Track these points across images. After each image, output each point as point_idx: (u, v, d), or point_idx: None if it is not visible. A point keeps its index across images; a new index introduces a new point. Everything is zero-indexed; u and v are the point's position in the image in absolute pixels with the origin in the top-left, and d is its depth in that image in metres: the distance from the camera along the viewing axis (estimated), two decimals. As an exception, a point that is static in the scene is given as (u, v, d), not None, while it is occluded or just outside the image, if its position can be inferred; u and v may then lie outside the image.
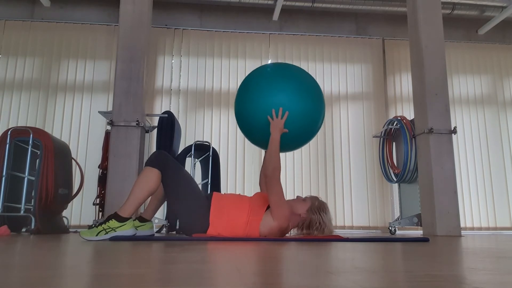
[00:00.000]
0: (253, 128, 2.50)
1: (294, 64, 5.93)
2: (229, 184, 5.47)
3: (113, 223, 2.20)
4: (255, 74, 2.60)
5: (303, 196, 2.48)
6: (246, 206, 2.34)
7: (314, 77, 6.10)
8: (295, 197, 2.49)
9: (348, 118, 5.92)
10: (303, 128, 2.46)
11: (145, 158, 3.82)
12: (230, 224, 2.30)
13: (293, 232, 2.47)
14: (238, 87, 2.63)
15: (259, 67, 2.68)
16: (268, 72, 2.55)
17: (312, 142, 5.76)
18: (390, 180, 4.80)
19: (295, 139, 2.49)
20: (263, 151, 5.59)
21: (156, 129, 4.22)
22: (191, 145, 4.13)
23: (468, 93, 6.19)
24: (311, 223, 2.33)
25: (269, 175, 2.28)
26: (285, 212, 2.28)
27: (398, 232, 5.30)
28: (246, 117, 2.51)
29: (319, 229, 2.33)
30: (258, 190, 5.42)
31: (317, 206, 2.36)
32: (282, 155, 5.68)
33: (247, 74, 2.67)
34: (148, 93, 5.55)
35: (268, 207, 2.37)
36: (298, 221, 2.37)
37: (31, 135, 3.32)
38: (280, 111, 2.38)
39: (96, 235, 2.18)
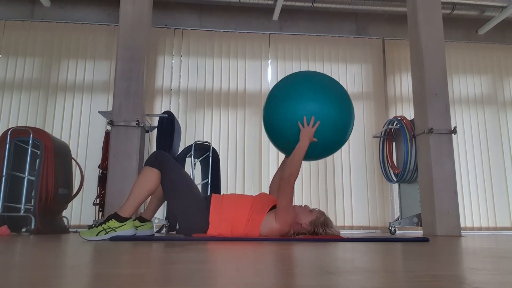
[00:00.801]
0: (282, 133, 2.49)
1: (294, 64, 5.96)
2: (229, 184, 5.47)
3: (113, 223, 2.20)
4: (287, 81, 2.59)
5: (311, 207, 2.49)
6: (248, 204, 2.35)
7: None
8: (303, 205, 2.50)
9: (348, 118, 5.91)
10: (332, 139, 2.46)
11: (145, 158, 3.82)
12: (231, 222, 2.30)
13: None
14: (270, 90, 2.64)
15: (289, 75, 2.67)
16: (304, 80, 2.55)
17: (312, 142, 5.75)
18: (390, 180, 4.80)
19: (322, 149, 2.48)
20: (263, 152, 5.59)
21: (156, 129, 4.22)
22: (191, 145, 4.13)
23: (468, 93, 6.19)
24: (315, 233, 2.35)
25: (285, 179, 2.29)
26: (289, 218, 2.29)
27: (398, 232, 5.30)
28: (277, 121, 2.50)
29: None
30: (258, 190, 5.44)
31: (322, 221, 2.37)
32: (282, 155, 5.69)
33: (280, 79, 2.68)
34: (148, 93, 5.55)
35: (271, 208, 2.38)
36: (298, 230, 2.38)
37: (31, 135, 3.32)
38: (312, 119, 2.38)
39: (96, 235, 2.18)
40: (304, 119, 2.38)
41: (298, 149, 2.35)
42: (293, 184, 2.32)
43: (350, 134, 2.59)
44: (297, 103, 2.43)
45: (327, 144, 2.47)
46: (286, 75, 2.75)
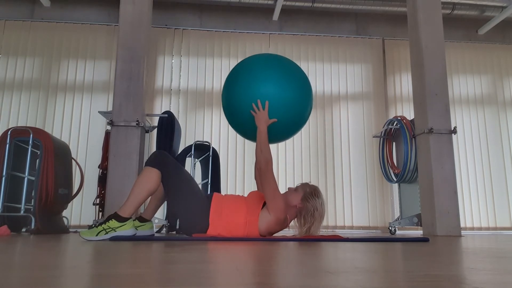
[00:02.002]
0: (241, 122, 2.48)
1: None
2: (229, 184, 5.48)
3: (113, 223, 2.20)
4: (238, 67, 2.58)
5: (294, 186, 2.48)
6: (243, 207, 2.34)
7: (314, 77, 6.12)
8: (287, 189, 2.48)
9: (348, 118, 5.92)
10: (290, 116, 2.43)
11: (145, 158, 3.82)
12: (230, 225, 2.30)
13: (293, 227, 2.46)
14: (225, 80, 2.63)
15: (242, 60, 2.64)
16: (250, 63, 2.53)
17: (312, 142, 5.76)
18: (390, 180, 4.80)
19: (284, 128, 2.46)
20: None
21: (156, 129, 4.22)
22: (191, 145, 4.13)
23: (468, 93, 6.19)
24: (306, 211, 2.33)
25: (263, 169, 2.28)
26: (280, 204, 2.28)
27: (398, 232, 5.30)
28: (232, 111, 2.50)
29: (314, 215, 2.32)
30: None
31: (310, 193, 2.36)
32: (282, 155, 5.69)
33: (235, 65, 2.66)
34: (148, 93, 5.55)
35: (264, 204, 2.37)
36: (295, 212, 2.36)
37: (31, 135, 3.32)
38: (259, 103, 2.36)
39: (96, 235, 2.17)
40: (253, 105, 2.36)
41: (259, 134, 2.34)
42: (271, 169, 2.30)
43: (310, 108, 2.55)
44: (248, 87, 2.40)
45: (287, 123, 2.44)
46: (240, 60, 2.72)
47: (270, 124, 2.37)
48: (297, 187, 2.44)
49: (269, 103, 2.36)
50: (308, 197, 2.34)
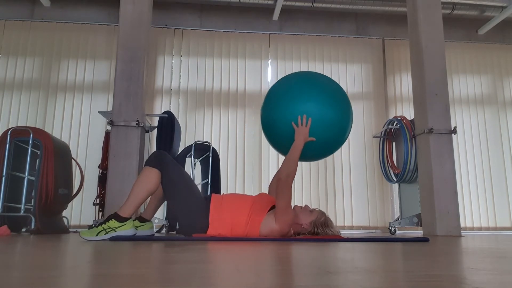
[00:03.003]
0: (280, 136, 2.49)
1: (294, 64, 5.96)
2: (229, 184, 5.47)
3: (113, 223, 2.20)
4: (284, 81, 2.60)
5: (311, 207, 2.49)
6: (248, 205, 2.35)
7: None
8: (304, 205, 2.50)
9: (348, 118, 5.91)
10: (329, 139, 2.45)
11: (145, 158, 3.82)
12: (231, 223, 2.30)
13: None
14: (267, 93, 2.65)
15: (287, 75, 2.67)
16: (296, 80, 2.55)
17: (312, 142, 5.75)
18: (390, 180, 4.80)
19: (320, 149, 2.47)
20: (263, 152, 5.59)
21: (156, 129, 4.22)
22: (191, 145, 4.13)
23: (468, 93, 6.19)
24: (315, 234, 2.35)
25: (283, 180, 2.29)
26: (289, 218, 2.29)
27: (398, 232, 5.30)
28: (272, 124, 2.51)
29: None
30: (258, 190, 5.44)
31: (322, 222, 2.37)
32: (282, 155, 5.69)
33: (279, 79, 2.69)
34: (148, 93, 5.55)
35: (271, 208, 2.38)
36: (299, 230, 2.39)
37: (31, 135, 3.32)
38: (304, 118, 2.37)
39: (96, 235, 2.18)
40: (298, 118, 2.38)
41: (293, 149, 2.35)
42: (291, 184, 2.32)
43: (348, 134, 2.58)
44: (294, 103, 2.42)
45: (325, 144, 2.46)
46: (285, 75, 2.75)
47: (307, 142, 2.38)
48: (314, 209, 2.46)
49: (312, 121, 2.37)
50: (318, 224, 2.36)
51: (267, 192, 2.75)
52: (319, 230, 2.34)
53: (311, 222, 2.36)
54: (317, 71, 5.99)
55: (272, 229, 2.30)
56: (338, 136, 2.49)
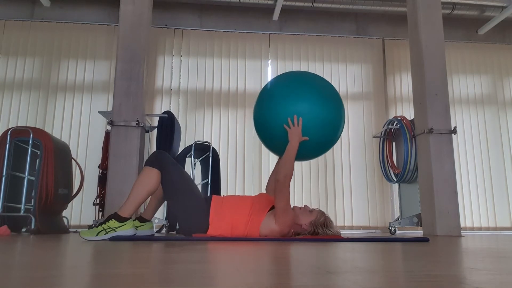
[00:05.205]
0: (273, 136, 2.49)
1: (294, 64, 5.96)
2: (229, 184, 5.47)
3: (113, 223, 2.20)
4: (275, 82, 2.60)
5: (311, 207, 2.49)
6: (248, 205, 2.35)
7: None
8: (303, 205, 2.50)
9: (348, 118, 5.92)
10: (322, 138, 2.45)
11: (145, 158, 3.82)
12: (231, 223, 2.30)
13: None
14: (258, 95, 2.64)
15: (279, 75, 2.67)
16: (288, 80, 2.55)
17: (312, 142, 5.75)
18: (390, 180, 4.80)
19: (313, 148, 2.47)
20: (263, 152, 5.59)
21: (156, 129, 4.22)
22: (191, 145, 4.13)
23: (468, 93, 6.19)
24: (315, 234, 2.35)
25: (281, 181, 2.28)
26: (288, 219, 2.30)
27: (398, 232, 5.30)
28: (265, 125, 2.51)
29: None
30: (258, 190, 5.43)
31: (321, 222, 2.37)
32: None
33: (270, 80, 2.67)
34: (148, 93, 5.55)
35: (271, 208, 2.38)
36: (299, 230, 2.40)
37: (31, 135, 3.32)
38: (295, 118, 2.37)
39: (96, 235, 2.18)
40: (289, 120, 2.38)
41: (288, 150, 2.35)
42: (289, 185, 2.32)
43: (341, 132, 2.57)
44: (285, 103, 2.42)
45: (318, 142, 2.46)
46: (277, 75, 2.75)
47: (301, 141, 2.38)
48: (313, 209, 2.46)
49: (303, 121, 2.37)
50: (318, 224, 2.36)
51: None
52: (319, 230, 2.35)
53: (310, 222, 2.37)
54: (316, 71, 5.99)
55: (272, 230, 2.30)
56: (331, 134, 2.48)
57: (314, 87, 2.49)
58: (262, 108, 2.53)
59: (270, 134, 2.50)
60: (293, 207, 2.43)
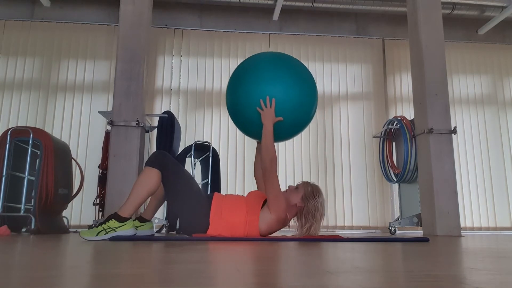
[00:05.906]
0: (246, 121, 2.47)
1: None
2: (229, 184, 5.47)
3: (113, 223, 2.20)
4: (244, 64, 2.57)
5: (295, 185, 2.47)
6: (243, 207, 2.34)
7: (314, 77, 6.10)
8: (287, 187, 2.48)
9: (348, 118, 5.92)
10: (296, 115, 2.43)
11: (145, 158, 3.82)
12: (230, 225, 2.30)
13: (293, 227, 2.46)
14: (228, 80, 2.62)
15: (248, 58, 2.64)
16: (257, 61, 2.53)
17: (312, 141, 5.76)
18: (390, 180, 4.80)
19: (289, 127, 2.46)
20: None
21: (156, 129, 4.22)
22: (191, 145, 4.13)
23: (468, 93, 6.19)
24: (307, 211, 2.33)
25: (268, 168, 2.28)
26: (282, 204, 2.28)
27: (398, 232, 5.30)
28: (237, 108, 2.49)
29: (315, 215, 2.32)
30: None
31: (310, 192, 2.35)
32: (282, 155, 5.69)
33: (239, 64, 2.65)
34: (148, 93, 5.55)
35: (264, 203, 2.37)
36: (295, 211, 2.36)
37: (31, 135, 3.32)
38: (267, 100, 2.36)
39: (96, 235, 2.17)
40: (261, 101, 2.36)
41: (264, 133, 2.34)
42: (275, 169, 2.30)
43: (315, 107, 2.55)
44: (256, 85, 2.40)
45: (293, 120, 2.43)
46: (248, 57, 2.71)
47: (276, 122, 2.37)
48: (297, 185, 2.43)
49: (275, 101, 2.35)
50: (309, 196, 2.34)
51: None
52: (311, 201, 2.31)
53: (302, 198, 2.35)
54: (316, 71, 5.99)
55: (270, 222, 2.29)
56: (305, 112, 2.45)
57: (284, 67, 2.45)
58: (234, 91, 2.50)
59: (244, 118, 2.48)
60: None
